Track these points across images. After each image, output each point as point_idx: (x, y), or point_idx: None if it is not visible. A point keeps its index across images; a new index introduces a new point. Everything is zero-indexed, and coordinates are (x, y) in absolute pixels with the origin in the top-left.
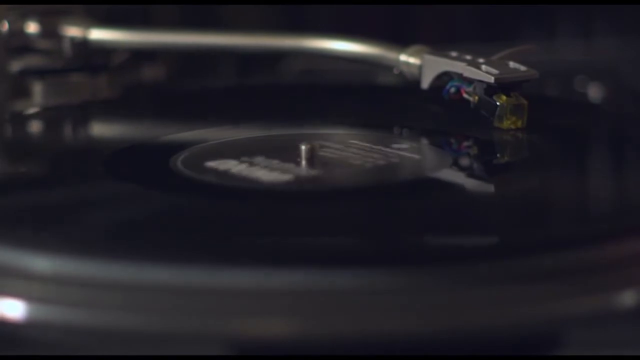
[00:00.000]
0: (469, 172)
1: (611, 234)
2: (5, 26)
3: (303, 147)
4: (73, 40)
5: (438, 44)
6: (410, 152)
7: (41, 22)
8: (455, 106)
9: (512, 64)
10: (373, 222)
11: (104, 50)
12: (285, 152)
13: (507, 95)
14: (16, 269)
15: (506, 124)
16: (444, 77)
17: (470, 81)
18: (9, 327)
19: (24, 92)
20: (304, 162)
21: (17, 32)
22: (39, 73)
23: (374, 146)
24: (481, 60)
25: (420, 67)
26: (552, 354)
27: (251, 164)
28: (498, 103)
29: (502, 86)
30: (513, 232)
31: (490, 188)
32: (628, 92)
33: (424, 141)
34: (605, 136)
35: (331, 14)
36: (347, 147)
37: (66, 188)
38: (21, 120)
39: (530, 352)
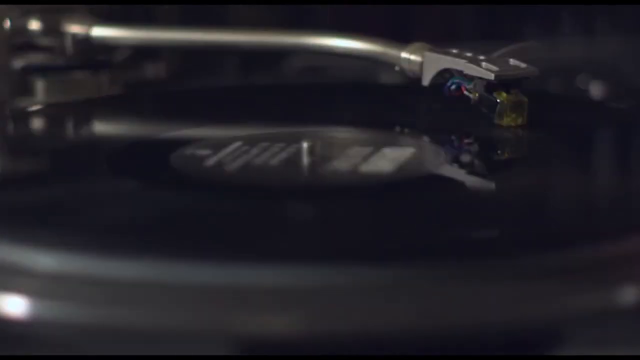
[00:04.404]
0: (469, 169)
1: (612, 232)
2: (8, 23)
3: (304, 145)
4: (75, 37)
5: (440, 42)
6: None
7: (43, 20)
8: (456, 103)
9: (512, 61)
10: (373, 220)
11: (106, 47)
12: (287, 149)
13: (508, 93)
14: (17, 266)
15: (506, 121)
16: (444, 74)
17: (470, 78)
18: (10, 325)
19: (26, 90)
20: (305, 159)
21: (20, 30)
22: (41, 70)
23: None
24: (482, 57)
25: (421, 65)
26: (552, 354)
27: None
28: (498, 100)
29: (502, 83)
30: (513, 230)
31: (490, 186)
32: (630, 89)
33: (425, 138)
34: (607, 134)
35: (332, 14)
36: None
37: (68, 185)
38: (23, 117)
39: (530, 352)
